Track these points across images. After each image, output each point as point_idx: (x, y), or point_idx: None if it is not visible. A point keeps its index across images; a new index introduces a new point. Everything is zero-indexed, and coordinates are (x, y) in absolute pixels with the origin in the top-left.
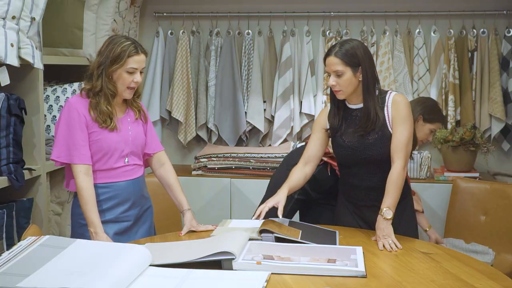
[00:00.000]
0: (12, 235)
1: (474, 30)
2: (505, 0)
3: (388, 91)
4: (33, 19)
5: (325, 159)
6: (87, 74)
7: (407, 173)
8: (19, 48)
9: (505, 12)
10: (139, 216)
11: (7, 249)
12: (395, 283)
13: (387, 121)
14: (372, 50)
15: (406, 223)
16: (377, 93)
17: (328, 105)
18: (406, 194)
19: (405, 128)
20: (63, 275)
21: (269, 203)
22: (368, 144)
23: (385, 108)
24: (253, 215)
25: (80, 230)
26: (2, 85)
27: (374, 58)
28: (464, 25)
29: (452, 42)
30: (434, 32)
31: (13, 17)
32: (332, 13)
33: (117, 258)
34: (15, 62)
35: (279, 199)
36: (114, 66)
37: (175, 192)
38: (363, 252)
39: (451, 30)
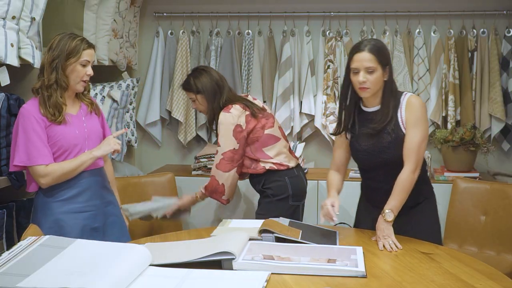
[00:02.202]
0: (12, 235)
1: (474, 30)
2: (505, 0)
3: (403, 92)
4: (33, 19)
5: None
6: (39, 72)
7: (427, 174)
8: (19, 48)
9: (505, 12)
10: (104, 207)
11: (7, 249)
12: (395, 283)
13: (400, 123)
14: None
15: (426, 225)
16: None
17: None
18: (427, 196)
19: (418, 130)
20: (63, 275)
21: (329, 201)
22: (383, 147)
23: (399, 110)
24: (322, 216)
25: (47, 219)
26: (2, 85)
27: None
28: (464, 25)
29: (452, 42)
30: (434, 32)
31: (13, 17)
32: (332, 13)
33: (117, 258)
34: (15, 62)
35: (335, 198)
36: (70, 59)
37: (114, 189)
38: (363, 252)
39: (451, 30)
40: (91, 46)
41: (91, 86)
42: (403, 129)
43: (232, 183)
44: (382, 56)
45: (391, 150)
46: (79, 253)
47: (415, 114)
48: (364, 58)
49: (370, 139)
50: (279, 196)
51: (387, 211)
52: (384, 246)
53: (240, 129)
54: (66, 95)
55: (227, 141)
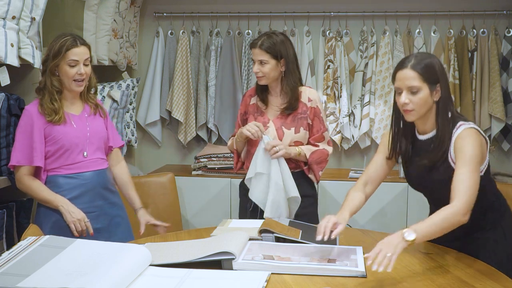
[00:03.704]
0: (12, 235)
1: (474, 30)
2: (505, 0)
3: (458, 122)
4: (33, 19)
5: None
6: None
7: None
8: (19, 48)
9: (505, 12)
10: (108, 208)
11: (7, 249)
12: (395, 283)
13: (450, 161)
14: (372, 50)
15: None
16: (453, 110)
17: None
18: (493, 225)
19: (471, 169)
20: (63, 275)
21: (332, 219)
22: (434, 186)
23: (450, 146)
24: (318, 234)
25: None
26: (2, 85)
27: (374, 58)
28: (464, 25)
29: (452, 42)
30: (434, 32)
31: (13, 17)
32: (332, 13)
33: (117, 258)
34: (15, 62)
35: (343, 220)
36: (55, 61)
37: (129, 191)
38: (363, 252)
39: (451, 30)
40: (78, 44)
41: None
42: (451, 162)
43: None
44: (429, 73)
45: (443, 191)
46: (79, 253)
47: (467, 151)
48: (406, 76)
49: (422, 171)
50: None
51: (408, 230)
52: (374, 259)
53: None
54: (65, 96)
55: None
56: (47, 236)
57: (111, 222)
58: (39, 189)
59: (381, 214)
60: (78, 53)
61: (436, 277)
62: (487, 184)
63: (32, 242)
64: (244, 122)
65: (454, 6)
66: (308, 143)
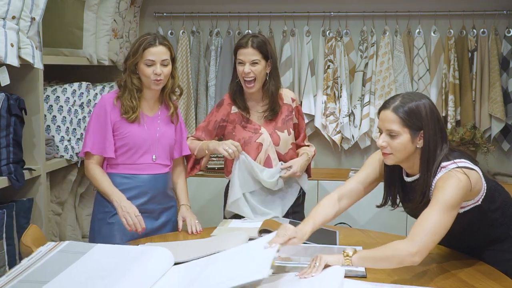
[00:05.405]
0: (12, 235)
1: (474, 30)
2: (505, 0)
3: (440, 165)
4: (33, 19)
5: None
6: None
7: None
8: (19, 48)
9: (505, 12)
10: (160, 213)
11: (7, 249)
12: (395, 283)
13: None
14: (372, 50)
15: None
16: (440, 158)
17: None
18: (501, 238)
19: (438, 211)
20: (82, 280)
21: (289, 232)
22: None
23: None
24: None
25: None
26: (2, 85)
27: (374, 58)
28: (464, 25)
29: (452, 42)
30: (434, 32)
31: (13, 17)
32: (332, 13)
33: (137, 261)
34: (15, 62)
35: (302, 236)
36: (132, 59)
37: (179, 190)
38: None
39: (451, 30)
40: (156, 44)
41: (91, 86)
42: None
43: None
44: (412, 118)
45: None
46: (99, 258)
47: (438, 194)
48: (387, 118)
49: (413, 210)
50: None
51: (353, 254)
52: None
53: None
54: (144, 95)
55: None
56: (67, 242)
57: (160, 225)
58: (102, 182)
59: (381, 214)
60: (155, 52)
61: (436, 277)
62: (488, 209)
63: (52, 248)
64: (221, 129)
65: (454, 6)
66: (297, 144)
